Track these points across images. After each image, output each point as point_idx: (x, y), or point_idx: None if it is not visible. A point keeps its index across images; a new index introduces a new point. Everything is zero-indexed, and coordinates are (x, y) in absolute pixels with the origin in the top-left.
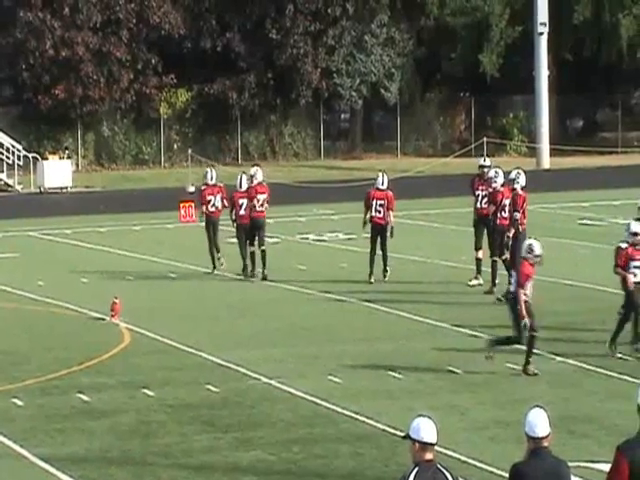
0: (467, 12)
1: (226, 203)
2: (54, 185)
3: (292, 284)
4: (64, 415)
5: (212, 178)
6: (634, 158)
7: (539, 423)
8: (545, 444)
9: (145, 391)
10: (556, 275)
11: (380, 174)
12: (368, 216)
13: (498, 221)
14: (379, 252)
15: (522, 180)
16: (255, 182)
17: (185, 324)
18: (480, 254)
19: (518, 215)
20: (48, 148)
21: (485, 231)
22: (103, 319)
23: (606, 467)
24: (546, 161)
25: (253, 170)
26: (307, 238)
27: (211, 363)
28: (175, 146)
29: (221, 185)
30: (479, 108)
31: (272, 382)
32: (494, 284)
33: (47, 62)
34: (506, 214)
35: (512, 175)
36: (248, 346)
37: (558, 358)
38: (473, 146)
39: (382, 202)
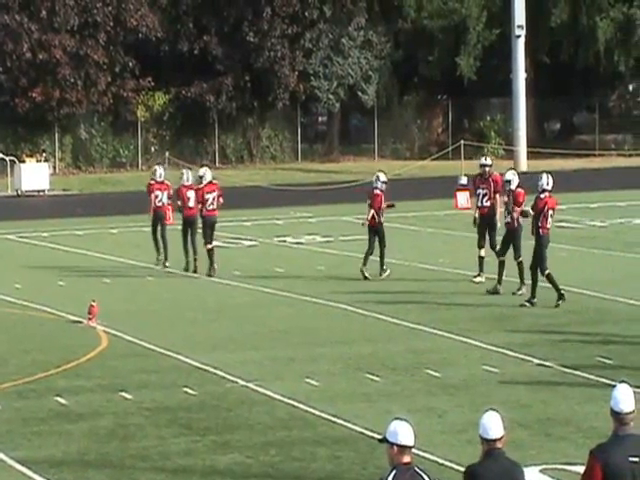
0: (444, 15)
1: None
2: (31, 188)
3: (270, 287)
4: (41, 418)
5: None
6: (611, 161)
7: (492, 426)
8: (499, 446)
9: (122, 394)
10: None
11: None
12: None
13: (541, 231)
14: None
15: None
16: (205, 182)
17: (163, 327)
18: (482, 252)
19: (516, 214)
20: (25, 151)
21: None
22: (80, 322)
23: (582, 470)
24: (523, 164)
25: (202, 171)
26: (285, 241)
27: (189, 366)
28: (152, 149)
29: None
30: (456, 111)
31: (249, 385)
32: (500, 282)
33: (24, 65)
34: (549, 224)
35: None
36: (226, 349)
37: (536, 361)
38: (450, 149)
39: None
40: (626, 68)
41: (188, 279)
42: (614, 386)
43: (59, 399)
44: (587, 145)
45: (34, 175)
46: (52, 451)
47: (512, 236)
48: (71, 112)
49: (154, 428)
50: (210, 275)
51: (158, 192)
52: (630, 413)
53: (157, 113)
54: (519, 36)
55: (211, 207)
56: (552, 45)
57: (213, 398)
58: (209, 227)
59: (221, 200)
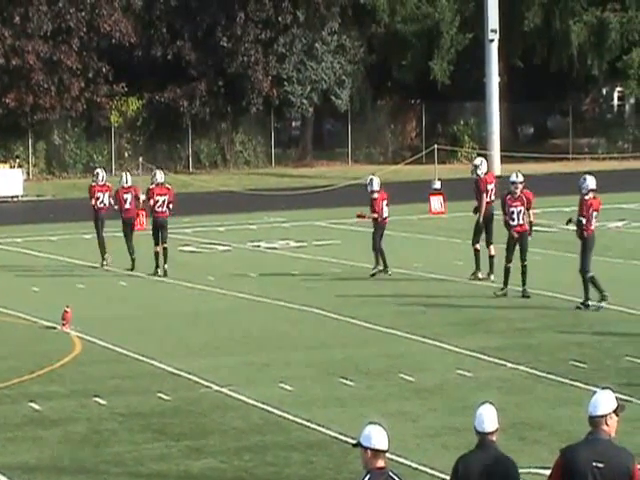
0: (418, 19)
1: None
2: (5, 194)
3: (243, 292)
4: (15, 424)
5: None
6: (585, 165)
7: (486, 419)
8: (492, 439)
9: (96, 400)
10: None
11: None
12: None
13: (586, 233)
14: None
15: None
16: (155, 183)
17: (137, 333)
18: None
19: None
20: None
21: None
22: (54, 328)
23: None
24: (497, 168)
25: (154, 173)
26: (258, 246)
27: (162, 371)
28: (126, 154)
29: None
30: (430, 115)
31: (223, 390)
32: (506, 285)
33: None
34: (593, 226)
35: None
36: (199, 354)
37: (509, 364)
38: (424, 153)
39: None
40: (599, 72)
41: (162, 284)
42: (588, 390)
43: (33, 405)
44: (561, 149)
45: (7, 181)
46: (26, 457)
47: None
48: (44, 118)
49: (128, 433)
50: (156, 274)
51: (100, 194)
52: (602, 416)
53: (130, 118)
54: (492, 40)
55: (160, 209)
56: (525, 49)
57: (187, 403)
58: (158, 228)
59: (171, 207)
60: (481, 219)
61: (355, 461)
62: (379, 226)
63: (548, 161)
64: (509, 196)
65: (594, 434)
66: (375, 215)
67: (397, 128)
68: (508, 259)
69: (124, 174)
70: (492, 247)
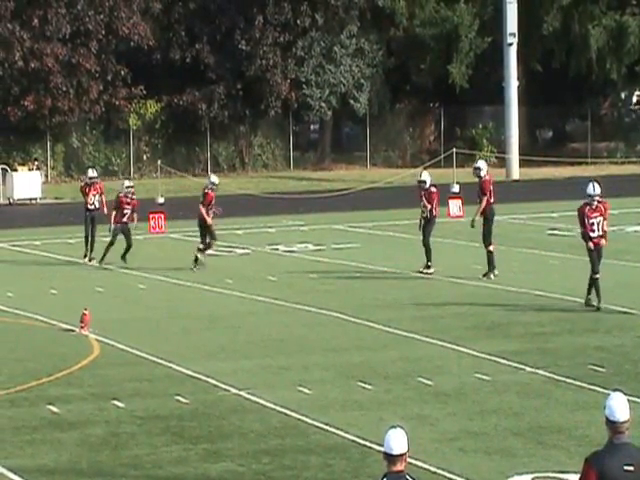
0: (436, 23)
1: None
2: (23, 196)
3: (262, 295)
4: (33, 427)
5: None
6: (603, 169)
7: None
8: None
9: (115, 402)
10: (526, 285)
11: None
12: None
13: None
14: None
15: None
16: (89, 181)
17: (155, 335)
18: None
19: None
20: (17, 159)
21: None
22: (72, 330)
23: (575, 478)
24: (515, 172)
25: (89, 171)
26: (277, 249)
27: (181, 374)
28: (144, 157)
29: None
30: (448, 119)
31: (242, 393)
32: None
33: (16, 73)
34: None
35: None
36: (218, 357)
37: (528, 368)
38: (442, 157)
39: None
40: (618, 76)
41: (181, 287)
42: (607, 394)
43: (51, 407)
44: (579, 153)
45: (26, 183)
46: (44, 460)
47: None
48: (63, 120)
49: (146, 436)
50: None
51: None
52: (625, 422)
53: (149, 121)
54: (511, 44)
55: (92, 207)
56: (544, 53)
57: (205, 406)
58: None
59: (105, 209)
60: (478, 217)
61: (373, 464)
62: (433, 221)
63: (567, 165)
64: (587, 207)
65: (619, 438)
66: (429, 206)
67: (415, 132)
68: (594, 270)
69: (90, 170)
70: (491, 246)
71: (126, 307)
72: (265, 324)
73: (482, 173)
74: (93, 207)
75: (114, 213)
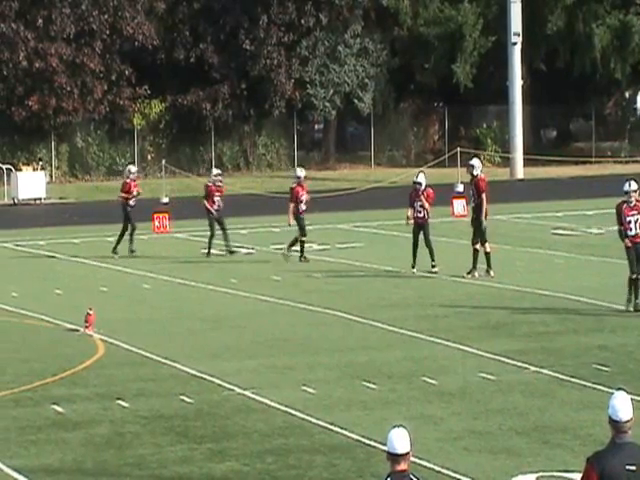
0: (440, 22)
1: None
2: (28, 196)
3: (267, 295)
4: (38, 426)
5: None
6: (608, 168)
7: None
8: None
9: (119, 402)
10: (530, 285)
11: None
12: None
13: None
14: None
15: (629, 187)
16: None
17: (160, 335)
18: (488, 247)
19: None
20: (22, 159)
21: None
22: (77, 330)
23: (580, 477)
24: (520, 171)
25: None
26: (281, 249)
27: (185, 374)
28: (149, 157)
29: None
30: (453, 118)
31: (246, 393)
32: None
33: (20, 73)
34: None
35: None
36: (222, 357)
37: (532, 368)
38: (447, 156)
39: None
40: (622, 75)
41: (185, 287)
42: (611, 394)
43: (56, 407)
44: (583, 152)
45: (31, 183)
46: (49, 459)
47: None
48: (67, 120)
49: (151, 436)
50: None
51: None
52: (628, 421)
53: (153, 121)
54: (515, 43)
55: (135, 203)
56: (548, 52)
57: (210, 406)
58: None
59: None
60: (483, 218)
61: (378, 464)
62: (427, 221)
63: (571, 164)
64: (625, 205)
65: (622, 438)
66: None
67: (420, 131)
68: (632, 270)
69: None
70: (487, 245)
71: (131, 307)
72: (270, 324)
73: (476, 172)
74: (135, 203)
75: (205, 202)
